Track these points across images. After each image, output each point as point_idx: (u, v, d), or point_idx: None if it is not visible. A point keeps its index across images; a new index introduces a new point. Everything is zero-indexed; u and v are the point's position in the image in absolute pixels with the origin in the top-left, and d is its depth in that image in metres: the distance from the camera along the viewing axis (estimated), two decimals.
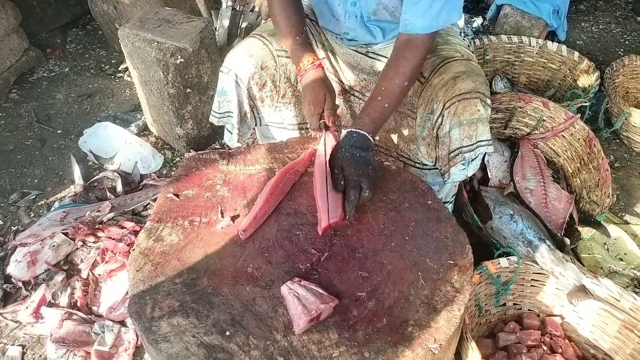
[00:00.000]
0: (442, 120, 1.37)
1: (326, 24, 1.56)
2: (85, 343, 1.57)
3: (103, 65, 3.04)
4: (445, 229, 1.20)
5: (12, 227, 2.03)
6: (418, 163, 1.62)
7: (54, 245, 1.77)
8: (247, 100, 1.54)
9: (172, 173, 1.98)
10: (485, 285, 1.57)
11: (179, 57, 2.07)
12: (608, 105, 2.43)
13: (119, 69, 3.00)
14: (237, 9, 2.54)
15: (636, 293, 1.63)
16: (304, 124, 1.71)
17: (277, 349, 0.95)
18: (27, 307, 1.66)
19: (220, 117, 1.58)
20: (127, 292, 1.44)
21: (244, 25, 2.60)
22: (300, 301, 1.00)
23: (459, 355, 1.41)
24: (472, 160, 1.39)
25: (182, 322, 0.99)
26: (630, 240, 1.91)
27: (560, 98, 2.61)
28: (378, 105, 1.32)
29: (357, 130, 1.28)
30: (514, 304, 1.66)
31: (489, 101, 1.36)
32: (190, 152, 2.34)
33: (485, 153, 1.41)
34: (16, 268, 1.75)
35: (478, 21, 3.29)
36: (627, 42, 3.27)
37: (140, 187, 2.19)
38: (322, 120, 1.42)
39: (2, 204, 2.15)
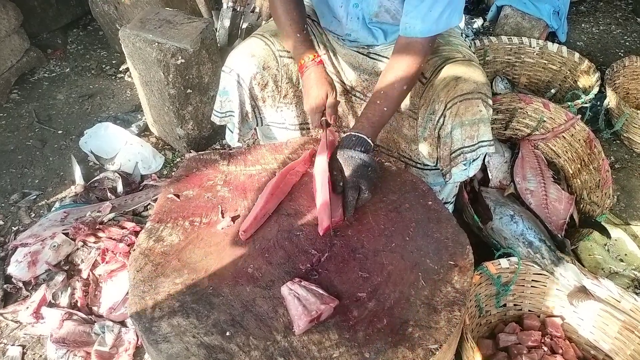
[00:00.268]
0: (444, 120, 1.37)
1: (328, 24, 1.56)
2: (85, 343, 1.57)
3: (104, 66, 3.05)
4: (445, 229, 1.20)
5: (13, 228, 2.03)
6: (419, 163, 1.63)
7: (54, 246, 1.77)
8: (249, 100, 1.54)
9: (173, 173, 1.98)
10: (485, 286, 1.57)
11: (180, 57, 2.07)
12: (608, 106, 2.43)
13: (120, 69, 3.00)
14: (238, 9, 2.54)
15: (637, 294, 1.63)
16: (305, 124, 1.71)
17: (277, 350, 0.96)
18: (27, 308, 1.66)
19: (222, 117, 1.58)
20: (127, 293, 1.44)
21: (244, 25, 2.61)
22: (300, 302, 1.00)
23: (459, 356, 1.41)
24: (474, 160, 1.39)
25: (183, 323, 0.99)
26: (630, 241, 1.91)
27: (561, 99, 2.61)
28: (377, 109, 1.32)
29: (356, 133, 1.28)
30: (515, 305, 1.66)
31: (490, 102, 1.36)
32: (190, 152, 2.34)
33: (486, 154, 1.41)
34: (17, 268, 1.75)
35: (478, 22, 3.29)
36: (627, 43, 3.27)
37: (141, 188, 2.19)
38: (323, 118, 1.42)
39: (3, 204, 2.15)
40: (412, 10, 1.29)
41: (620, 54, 3.15)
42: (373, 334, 0.98)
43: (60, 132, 2.54)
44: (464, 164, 1.39)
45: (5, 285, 1.75)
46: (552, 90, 2.67)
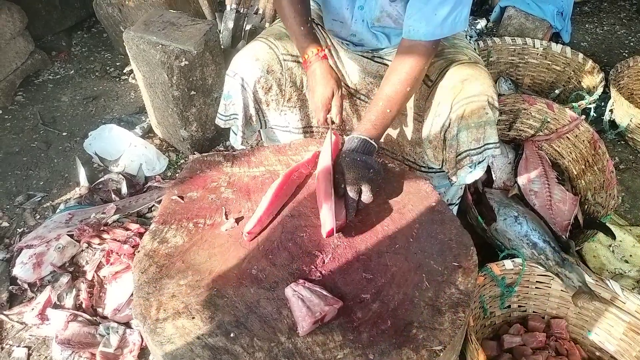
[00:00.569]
0: (450, 123, 1.36)
1: (331, 25, 1.56)
2: (90, 344, 1.57)
3: (108, 68, 3.06)
4: (449, 230, 1.20)
5: (18, 229, 2.04)
6: (424, 167, 1.62)
7: (59, 247, 1.78)
8: (253, 104, 1.55)
9: (177, 175, 1.99)
10: (489, 287, 1.56)
11: (184, 59, 2.08)
12: (613, 107, 2.42)
13: (124, 71, 3.01)
14: (241, 11, 2.55)
15: None
16: (309, 127, 1.71)
17: (281, 351, 0.96)
18: (32, 309, 1.67)
19: (227, 120, 1.59)
20: (132, 294, 1.45)
21: (248, 27, 2.61)
22: (304, 303, 1.00)
23: (464, 357, 1.41)
24: (480, 162, 1.39)
25: (187, 324, 0.99)
26: (635, 242, 1.90)
27: (565, 100, 2.60)
28: (380, 111, 1.32)
29: (359, 135, 1.28)
30: (519, 306, 1.65)
31: (496, 104, 1.36)
32: (194, 154, 2.35)
33: (491, 155, 1.41)
34: (22, 270, 1.76)
35: (482, 23, 3.29)
36: (631, 44, 3.26)
37: (145, 189, 2.20)
38: (328, 115, 1.43)
39: (8, 206, 2.16)
40: (416, 12, 1.28)
41: (624, 54, 3.14)
42: (377, 335, 0.98)
43: (64, 134, 2.56)
44: (470, 167, 1.40)
45: (10, 287, 1.76)
46: (556, 91, 2.66)
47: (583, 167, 2.01)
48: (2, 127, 2.59)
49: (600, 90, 2.34)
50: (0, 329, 1.68)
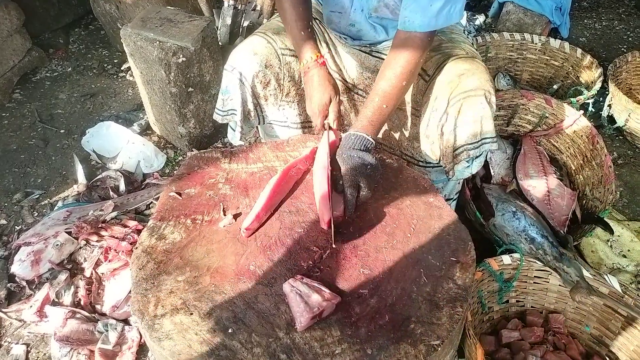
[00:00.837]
0: (447, 117, 1.36)
1: (330, 16, 1.55)
2: (89, 341, 1.58)
3: (105, 65, 3.05)
4: (447, 226, 1.20)
5: (16, 227, 2.04)
6: (421, 161, 1.62)
7: (57, 245, 1.78)
8: (251, 99, 1.54)
9: (175, 172, 1.99)
10: (488, 282, 1.56)
11: (181, 56, 2.07)
12: (611, 102, 2.42)
13: (122, 68, 3.00)
14: (239, 7, 2.54)
15: (639, 289, 1.63)
16: (307, 122, 1.71)
17: (279, 346, 0.96)
18: (31, 306, 1.67)
19: (224, 115, 1.58)
20: (130, 291, 1.45)
21: (245, 24, 2.61)
22: (302, 298, 1.00)
23: (462, 352, 1.41)
24: (477, 157, 1.39)
25: (185, 320, 0.99)
26: (633, 237, 1.91)
27: (563, 95, 2.60)
28: (376, 107, 1.31)
29: (356, 132, 1.27)
30: (517, 301, 1.66)
31: (494, 98, 1.35)
32: (192, 150, 2.35)
33: (489, 150, 1.40)
34: (20, 267, 1.76)
35: (480, 18, 3.29)
36: (630, 39, 3.26)
37: (143, 186, 2.19)
38: (326, 121, 1.43)
39: (6, 204, 2.16)
40: (412, 3, 1.28)
41: (623, 49, 3.14)
42: (375, 330, 0.99)
43: (62, 131, 2.55)
44: (467, 161, 1.39)
45: (8, 284, 1.76)
46: (555, 86, 2.66)
47: (581, 162, 2.01)
48: (0, 125, 2.59)
49: (598, 85, 2.34)
50: None
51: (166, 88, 2.14)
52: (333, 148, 1.32)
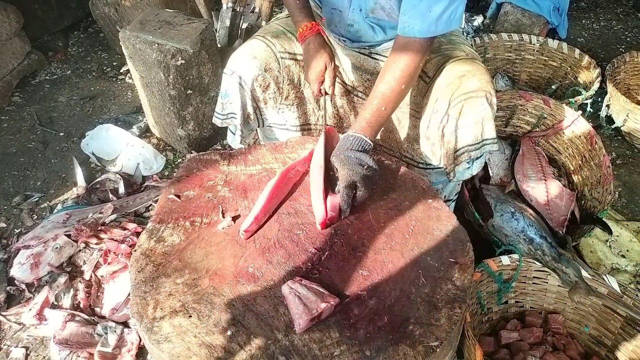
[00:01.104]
0: (448, 119, 1.36)
1: (329, 15, 1.55)
2: (88, 344, 1.58)
3: (105, 68, 3.05)
4: (446, 227, 1.20)
5: (16, 230, 2.04)
6: (421, 163, 1.62)
7: (56, 247, 1.78)
8: (251, 102, 1.55)
9: (174, 174, 1.99)
10: (487, 283, 1.57)
11: (180, 58, 2.07)
12: (609, 102, 2.43)
13: (121, 71, 3.01)
14: (238, 10, 2.54)
15: (638, 290, 1.62)
16: (307, 125, 1.72)
17: (278, 348, 0.96)
18: (30, 309, 1.67)
19: (224, 119, 1.59)
20: (129, 293, 1.45)
21: (244, 26, 2.61)
22: (301, 300, 1.00)
23: (461, 353, 1.41)
24: (477, 158, 1.39)
25: (184, 323, 1.00)
26: (632, 237, 1.91)
27: (562, 95, 2.61)
28: (375, 109, 1.32)
29: (354, 133, 1.28)
30: (516, 302, 1.66)
31: (494, 100, 1.36)
32: (191, 153, 2.35)
33: (489, 151, 1.41)
34: (19, 270, 1.76)
35: (478, 19, 3.29)
36: (628, 39, 3.26)
37: (142, 189, 2.20)
38: (322, 87, 1.48)
39: (6, 207, 2.16)
40: (411, 9, 1.28)
41: (621, 49, 3.14)
42: (374, 331, 0.99)
43: (61, 134, 2.55)
44: (468, 162, 1.40)
45: (8, 287, 1.76)
46: (553, 87, 2.66)
47: (580, 162, 2.01)
48: None
49: (596, 85, 2.35)
50: None
51: (165, 90, 2.14)
52: (331, 144, 1.33)
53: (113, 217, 1.92)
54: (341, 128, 1.73)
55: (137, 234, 1.84)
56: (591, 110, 2.43)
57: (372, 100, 1.32)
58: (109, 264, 1.76)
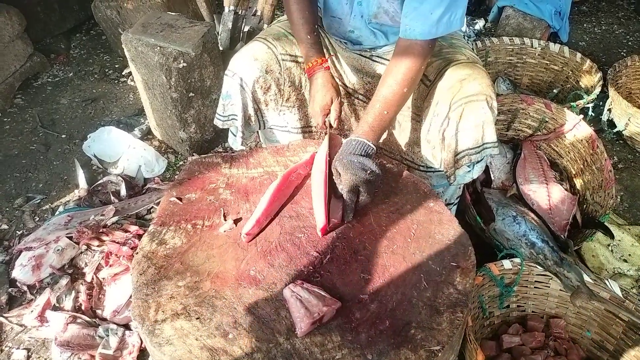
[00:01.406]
0: (449, 122, 1.37)
1: (329, 25, 1.57)
2: (89, 346, 1.58)
3: (107, 70, 3.06)
4: (447, 231, 1.20)
5: (17, 231, 2.04)
6: (422, 166, 1.63)
7: (58, 249, 1.78)
8: (252, 104, 1.55)
9: (176, 177, 1.99)
10: (488, 287, 1.56)
11: (182, 61, 2.08)
12: (611, 106, 2.42)
13: (123, 73, 3.01)
14: (240, 13, 2.55)
15: None
16: (308, 127, 1.72)
17: (279, 352, 0.96)
18: (32, 311, 1.67)
19: (225, 120, 1.59)
20: (130, 296, 1.45)
21: (246, 29, 2.61)
22: (302, 304, 1.00)
23: (463, 357, 1.41)
24: (478, 162, 1.39)
25: (185, 325, 1.00)
26: (634, 242, 1.91)
27: (563, 99, 2.61)
28: (377, 113, 1.32)
29: (357, 137, 1.28)
30: (518, 306, 1.66)
31: (495, 103, 1.36)
32: (193, 155, 2.35)
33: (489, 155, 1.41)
34: (21, 272, 1.76)
35: (480, 23, 3.30)
36: (629, 43, 3.26)
37: (144, 191, 2.20)
38: (327, 119, 1.47)
39: (7, 209, 2.16)
40: (412, 12, 1.28)
41: (622, 53, 3.15)
42: (375, 335, 0.99)
43: (63, 136, 2.56)
44: (468, 166, 1.40)
45: (10, 289, 1.76)
46: (554, 91, 2.66)
47: (581, 166, 2.01)
48: (1, 130, 2.60)
49: (598, 89, 2.35)
50: (0, 331, 1.68)
51: (167, 93, 2.14)
52: (333, 149, 1.33)
53: (115, 219, 1.92)
54: (342, 131, 1.73)
55: (139, 237, 1.84)
56: (593, 114, 2.43)
57: (375, 104, 1.33)
58: (110, 266, 1.76)
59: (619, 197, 2.15)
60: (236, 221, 1.23)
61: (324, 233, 1.18)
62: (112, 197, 2.11)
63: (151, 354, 1.06)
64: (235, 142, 1.63)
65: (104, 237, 1.84)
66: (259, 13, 2.62)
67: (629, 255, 1.87)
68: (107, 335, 1.59)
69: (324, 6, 1.55)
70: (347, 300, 1.05)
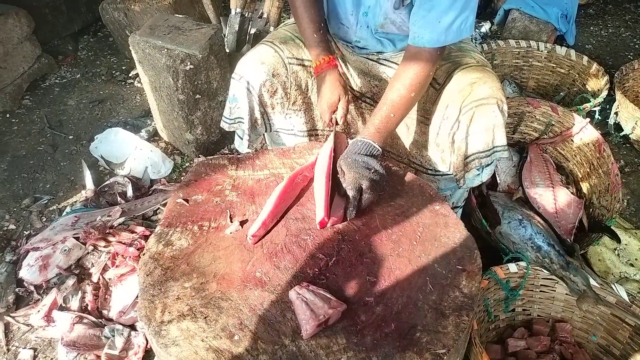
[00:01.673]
0: (459, 125, 1.37)
1: (336, 31, 1.58)
2: (95, 346, 1.58)
3: (114, 72, 3.08)
4: (453, 234, 1.20)
5: (25, 232, 2.06)
6: (430, 169, 1.62)
7: (65, 250, 1.79)
8: (258, 107, 1.56)
9: (182, 178, 2.00)
10: (494, 291, 1.56)
11: (189, 63, 2.09)
12: (618, 110, 2.41)
13: (130, 75, 3.03)
14: (246, 15, 2.56)
15: None
16: (314, 130, 1.72)
17: (285, 354, 0.96)
18: (38, 311, 1.68)
19: (231, 123, 1.60)
20: (137, 296, 1.46)
21: (252, 31, 2.62)
22: (308, 306, 1.00)
23: None
24: (487, 165, 1.39)
25: (191, 326, 1.00)
26: None
27: (569, 102, 2.60)
28: (384, 116, 1.33)
29: (363, 139, 1.29)
30: (523, 310, 1.65)
31: (505, 107, 1.36)
32: (199, 157, 2.36)
33: (499, 158, 1.41)
34: (28, 272, 1.77)
35: (486, 26, 3.29)
36: (636, 46, 3.25)
37: (150, 192, 2.21)
38: (334, 116, 1.48)
39: (15, 209, 2.18)
40: (420, 20, 1.29)
41: (629, 56, 3.13)
42: (381, 338, 0.99)
43: (71, 137, 2.57)
44: (478, 169, 1.40)
45: (17, 289, 1.77)
46: (561, 94, 2.66)
47: (588, 170, 2.01)
48: (10, 131, 2.62)
49: (605, 93, 2.34)
50: (7, 331, 1.69)
51: (174, 95, 2.16)
52: (339, 147, 1.34)
53: (121, 220, 1.93)
54: (349, 134, 1.73)
55: (145, 237, 1.85)
56: (599, 118, 2.42)
57: (382, 107, 1.33)
58: (116, 266, 1.77)
59: (625, 201, 2.14)
60: (242, 223, 1.23)
61: (322, 226, 1.18)
62: (119, 198, 2.12)
63: (157, 355, 1.07)
64: (241, 145, 1.64)
65: (111, 238, 1.85)
66: (265, 15, 2.64)
67: (636, 259, 1.86)
68: (113, 336, 1.60)
69: (331, 13, 1.55)
70: (353, 303, 1.05)
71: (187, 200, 1.30)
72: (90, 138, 2.50)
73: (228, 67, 2.29)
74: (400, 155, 1.71)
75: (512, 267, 1.55)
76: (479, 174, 1.42)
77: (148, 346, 1.61)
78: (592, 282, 1.49)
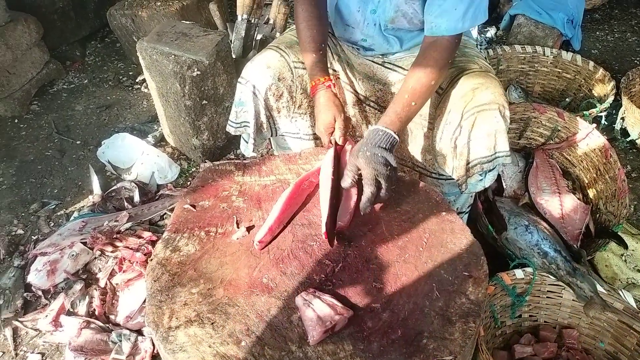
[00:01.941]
0: (461, 131, 1.37)
1: (341, 33, 1.58)
2: (102, 351, 1.59)
3: (121, 77, 3.10)
4: (459, 239, 1.20)
5: (33, 237, 2.07)
6: (434, 173, 1.63)
7: (73, 255, 1.81)
8: (264, 111, 1.56)
9: (189, 184, 2.01)
10: (500, 297, 1.56)
11: (196, 69, 2.11)
12: (624, 115, 2.41)
13: (137, 80, 3.05)
14: (252, 21, 2.58)
15: None
16: None
17: None
18: (46, 316, 1.69)
19: (237, 127, 1.61)
20: (144, 301, 1.46)
21: (259, 37, 2.64)
22: (314, 312, 1.00)
23: None
24: (490, 171, 1.39)
25: (199, 332, 1.00)
26: None
27: (576, 108, 2.59)
28: (406, 104, 1.32)
29: (384, 128, 1.27)
30: (530, 316, 1.64)
31: (507, 112, 1.36)
32: (206, 162, 2.37)
33: (502, 164, 1.41)
34: (36, 277, 1.78)
35: (492, 31, 3.30)
36: None
37: (157, 197, 2.22)
38: (332, 137, 1.46)
39: (23, 214, 2.19)
40: (436, 9, 1.30)
41: (636, 61, 3.12)
42: (387, 345, 0.99)
43: (78, 142, 2.60)
44: (480, 175, 1.40)
45: (25, 294, 1.78)
46: (567, 99, 2.65)
47: (594, 175, 2.00)
48: (18, 136, 2.64)
49: (611, 98, 2.33)
50: (15, 336, 1.70)
51: (181, 101, 2.17)
52: (343, 156, 1.34)
53: (128, 225, 1.94)
54: (353, 137, 1.74)
55: (152, 242, 1.86)
56: (606, 123, 2.41)
57: (403, 95, 1.33)
58: (124, 271, 1.78)
59: (632, 206, 2.13)
60: (249, 229, 1.24)
61: (327, 237, 1.18)
62: (126, 203, 2.14)
63: None
64: (247, 149, 1.65)
65: (118, 243, 1.86)
66: (271, 21, 2.66)
67: None
68: (120, 341, 1.60)
69: (335, 16, 1.56)
70: (359, 309, 1.05)
71: (194, 206, 1.30)
72: (98, 143, 2.52)
73: (234, 73, 2.30)
74: (404, 159, 1.71)
75: (519, 273, 1.55)
76: (481, 179, 1.41)
77: (155, 351, 1.61)
78: (599, 288, 1.48)
